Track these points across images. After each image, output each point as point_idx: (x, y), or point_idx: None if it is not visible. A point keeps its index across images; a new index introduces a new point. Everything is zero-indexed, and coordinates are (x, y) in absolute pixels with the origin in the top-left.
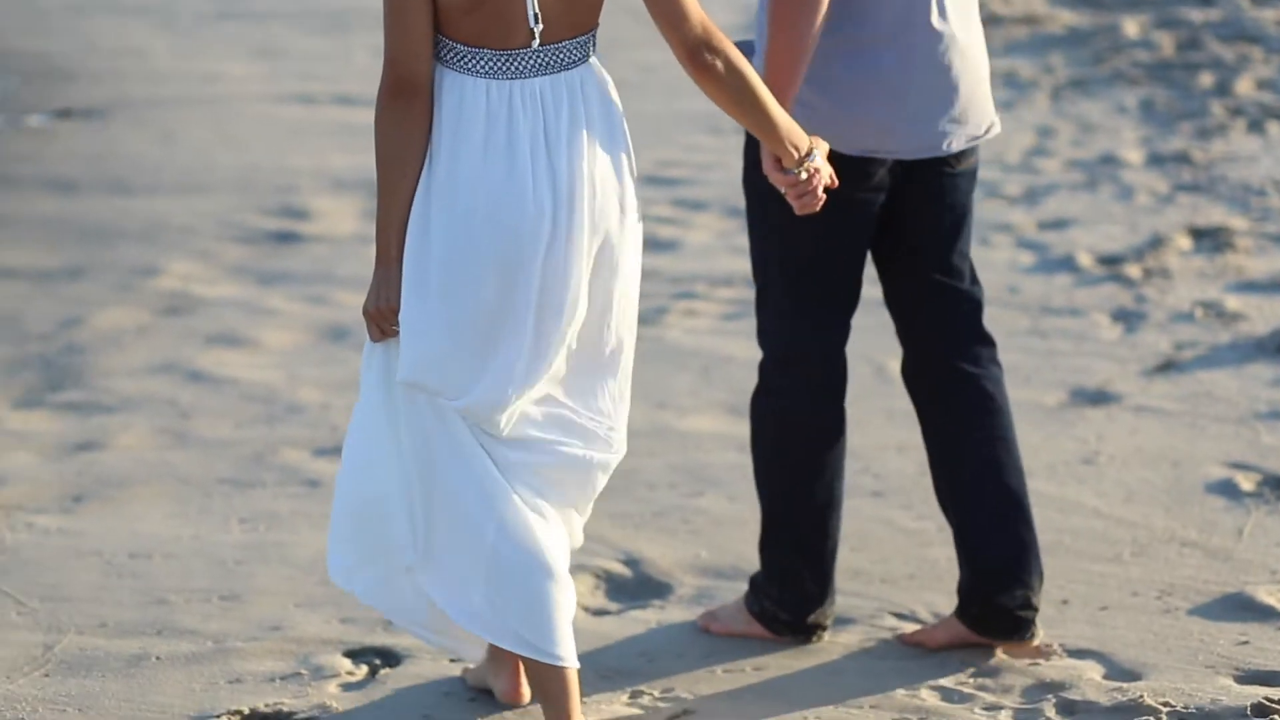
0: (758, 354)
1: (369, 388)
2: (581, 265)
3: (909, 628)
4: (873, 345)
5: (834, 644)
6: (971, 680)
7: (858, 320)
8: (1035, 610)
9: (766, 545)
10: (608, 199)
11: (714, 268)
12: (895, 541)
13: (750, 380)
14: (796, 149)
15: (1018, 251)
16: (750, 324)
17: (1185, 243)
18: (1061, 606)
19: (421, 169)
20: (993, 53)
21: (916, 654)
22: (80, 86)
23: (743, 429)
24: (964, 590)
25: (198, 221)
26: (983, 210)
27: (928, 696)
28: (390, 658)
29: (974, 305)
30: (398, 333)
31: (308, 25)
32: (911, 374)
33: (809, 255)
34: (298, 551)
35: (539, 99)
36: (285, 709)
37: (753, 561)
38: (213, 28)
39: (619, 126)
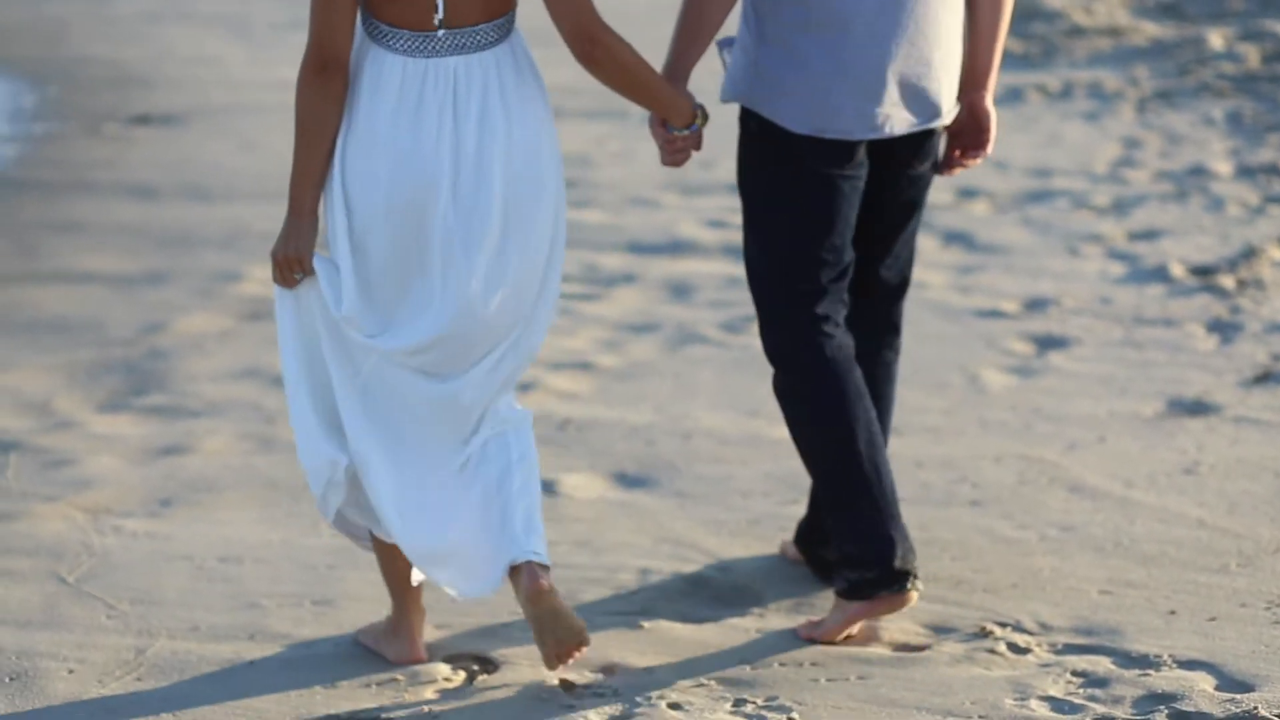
0: None
1: (285, 327)
2: (488, 230)
3: (1015, 638)
4: (965, 356)
5: (939, 654)
6: (1081, 691)
7: (948, 330)
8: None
9: (834, 514)
10: (520, 170)
11: None
12: (996, 551)
13: None
14: (682, 117)
15: (1108, 262)
16: None
17: (1278, 254)
18: (1169, 617)
19: (336, 134)
20: (1076, 65)
21: (1023, 665)
22: (158, 93)
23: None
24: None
25: (277, 228)
26: (1071, 221)
27: (1037, 707)
28: (488, 664)
29: (894, 293)
30: (298, 281)
31: None
32: None
33: (794, 236)
34: None
35: (451, 76)
36: (382, 715)
37: None
38: (285, 37)
39: (537, 104)
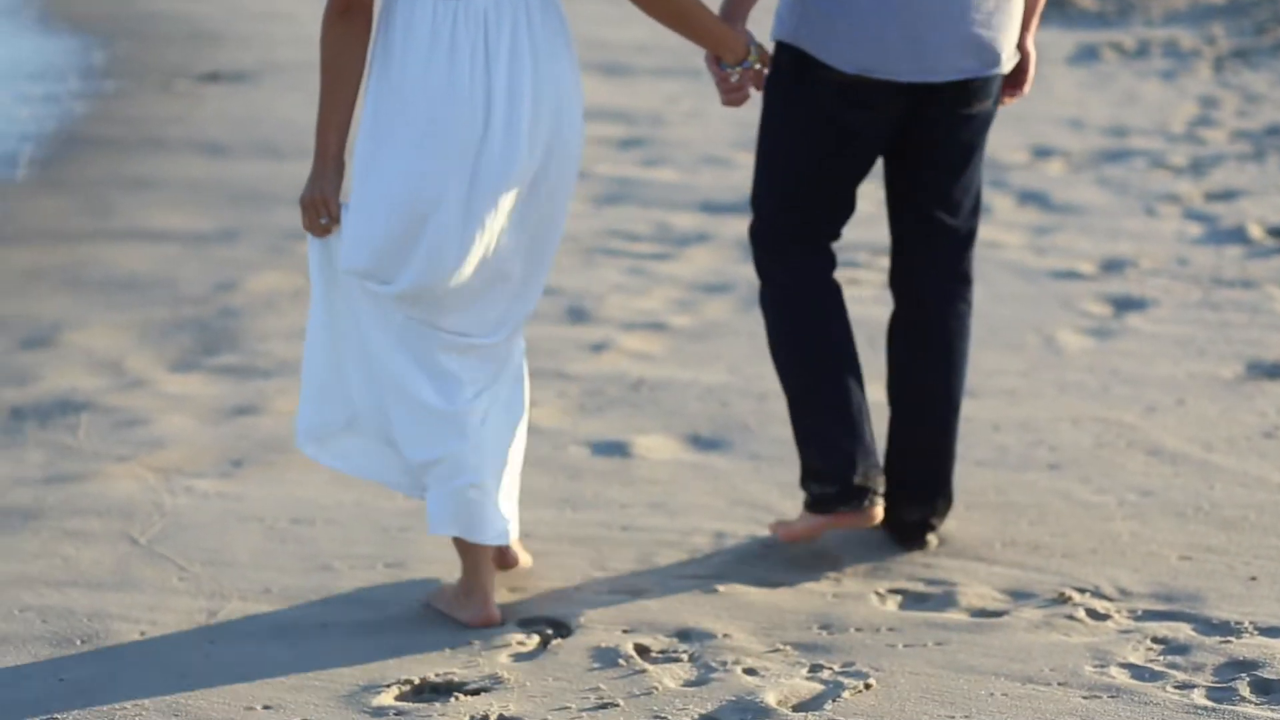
0: None
1: (314, 279)
2: (516, 169)
3: (1094, 604)
4: (1041, 317)
5: (1018, 620)
6: (1162, 659)
7: (1024, 291)
8: (932, 528)
9: (798, 423)
10: (543, 108)
11: (877, 236)
12: (1075, 515)
13: None
14: (734, 53)
15: (1185, 222)
16: None
17: None
18: (1250, 583)
19: (360, 78)
20: (1152, 23)
21: (1103, 631)
22: (228, 50)
23: None
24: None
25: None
26: (1147, 181)
27: (1117, 674)
28: (561, 628)
29: (960, 242)
30: (328, 227)
31: None
32: (894, 290)
33: (803, 170)
34: None
35: (482, 17)
36: (456, 679)
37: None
38: None
39: (563, 45)
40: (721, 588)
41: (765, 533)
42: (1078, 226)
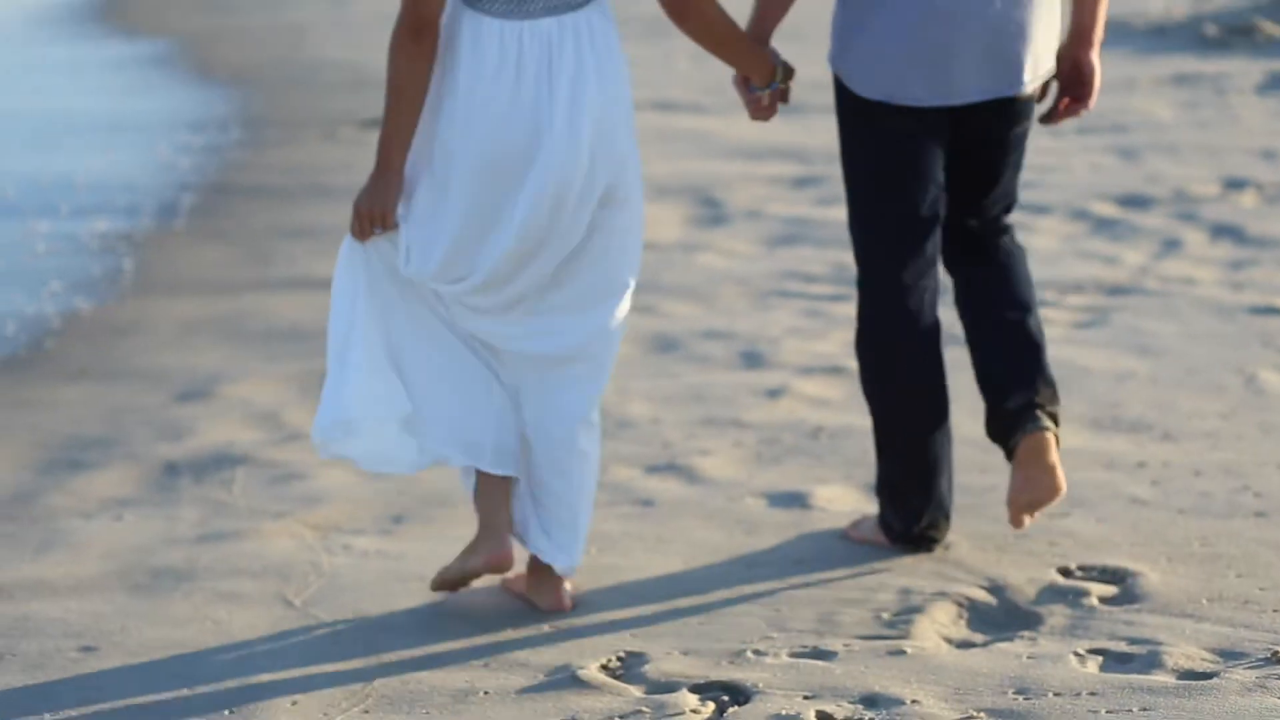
0: (1117, 365)
1: (345, 274)
2: (569, 179)
3: None
4: (1241, 356)
5: (1228, 681)
6: None
7: (1221, 329)
8: (1040, 407)
9: (880, 463)
10: (603, 126)
11: (1062, 273)
12: None
13: (1112, 393)
14: (763, 77)
15: None
16: (1108, 333)
17: None
18: None
19: (425, 95)
20: None
21: None
22: None
23: (1109, 446)
24: (987, 412)
25: None
26: None
27: None
28: (738, 694)
29: (995, 231)
30: (377, 234)
31: (626, 30)
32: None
33: (877, 196)
34: (632, 575)
35: (547, 37)
36: None
37: (1115, 577)
38: None
39: (617, 65)
40: (909, 648)
41: (955, 587)
42: (1275, 260)
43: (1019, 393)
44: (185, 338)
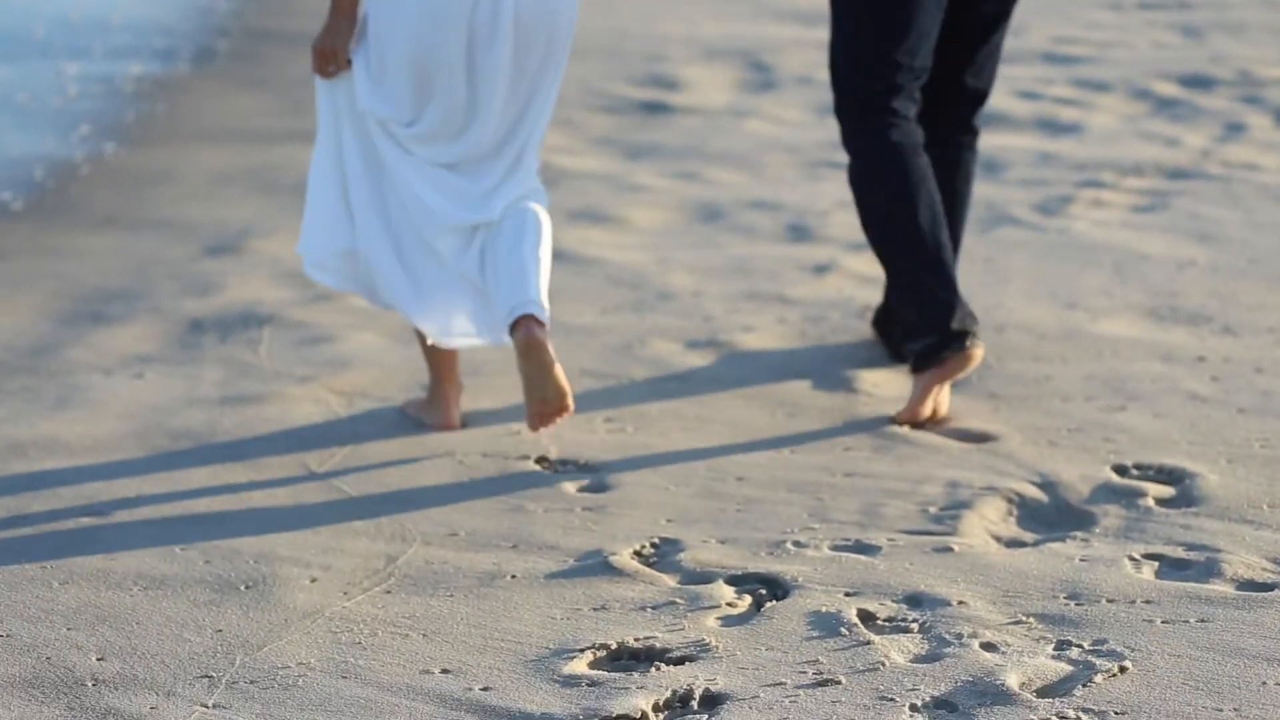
0: (1176, 252)
1: (322, 118)
2: (503, 36)
3: None
4: None
5: None
6: None
7: None
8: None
9: (896, 286)
10: None
11: (1121, 154)
12: None
13: (1171, 282)
14: None
15: None
16: (1168, 218)
17: None
18: None
19: None
20: None
21: None
22: None
23: (1167, 337)
24: (879, 310)
25: (564, 88)
26: None
27: None
28: (776, 587)
29: (977, 101)
30: (335, 73)
31: None
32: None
33: (876, 40)
34: (669, 456)
35: None
36: (657, 644)
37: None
38: None
39: None
40: (956, 545)
41: (1005, 482)
42: None
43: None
44: (216, 188)
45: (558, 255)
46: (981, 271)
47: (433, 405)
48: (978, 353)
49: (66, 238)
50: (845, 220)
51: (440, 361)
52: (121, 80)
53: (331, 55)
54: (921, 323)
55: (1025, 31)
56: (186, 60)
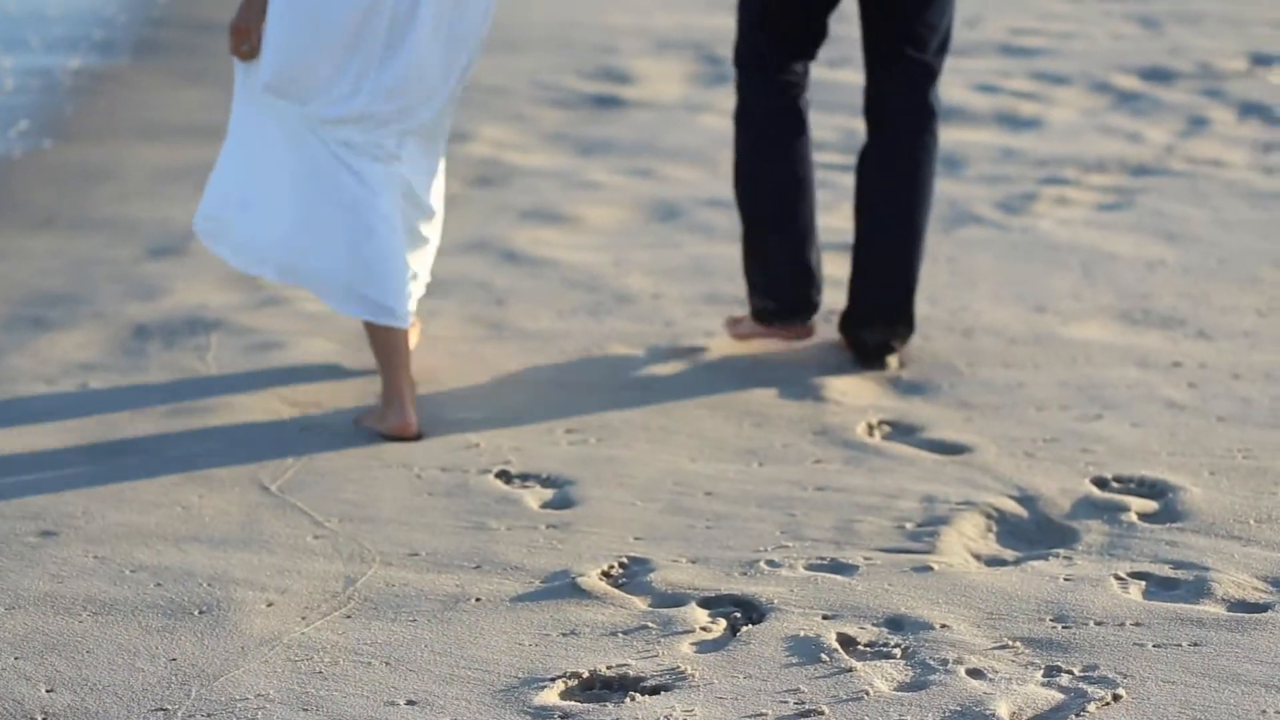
0: (1145, 252)
1: (238, 95)
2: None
3: None
4: (1277, 246)
5: None
6: None
7: (1253, 217)
8: (893, 351)
9: (746, 242)
10: None
11: (1083, 150)
12: None
13: (1141, 283)
14: None
15: None
16: (1134, 216)
17: None
18: None
19: None
20: None
21: None
22: None
23: (1140, 341)
24: (843, 315)
25: (510, 82)
26: None
27: None
28: (751, 609)
29: (927, 75)
30: (249, 53)
31: None
32: (867, 120)
33: (760, 15)
34: (635, 470)
35: None
36: (631, 672)
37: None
38: None
39: None
40: (935, 564)
41: (983, 496)
42: None
43: (880, 329)
44: (159, 186)
45: (510, 256)
46: (946, 272)
47: (388, 409)
48: (813, 329)
49: (4, 238)
50: None
51: (390, 358)
52: (59, 74)
53: (246, 32)
54: (764, 286)
55: (981, 23)
56: (126, 53)
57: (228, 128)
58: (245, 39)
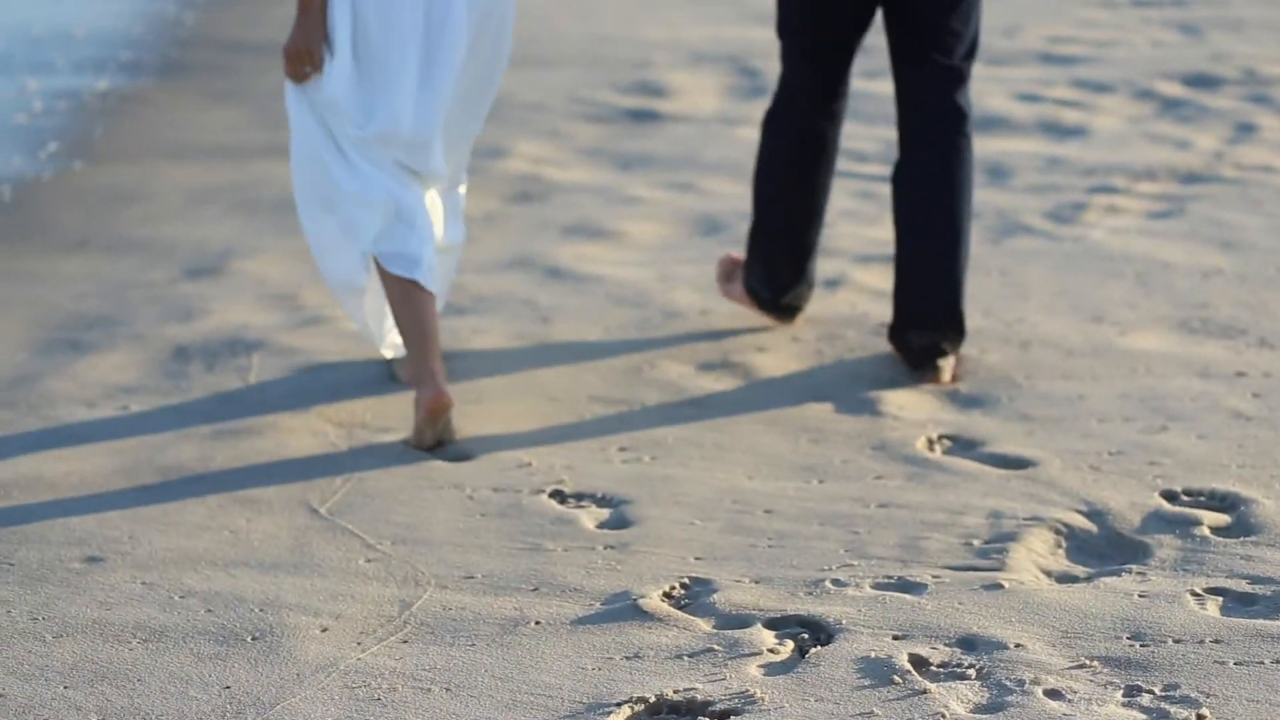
0: (1199, 260)
1: (294, 119)
2: (459, 31)
3: None
4: None
5: None
6: None
7: None
8: (944, 354)
9: (753, 234)
10: None
11: (1131, 157)
12: None
13: (1197, 292)
14: None
15: None
16: (1187, 224)
17: None
18: None
19: None
20: None
21: None
22: None
23: (1201, 351)
24: (891, 325)
25: (546, 98)
26: None
27: None
28: (819, 630)
29: (955, 80)
30: (309, 75)
31: None
32: (899, 132)
33: (807, 17)
34: (691, 488)
35: None
36: (699, 696)
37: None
38: None
39: None
40: (1005, 582)
41: (1050, 511)
42: None
43: (927, 332)
44: (192, 207)
45: (554, 272)
46: (998, 284)
47: (419, 387)
48: (795, 322)
49: (37, 260)
50: (851, 231)
51: (418, 327)
52: (87, 95)
53: (307, 55)
54: (761, 275)
55: (1019, 32)
56: (153, 73)
57: (293, 151)
58: (307, 61)
